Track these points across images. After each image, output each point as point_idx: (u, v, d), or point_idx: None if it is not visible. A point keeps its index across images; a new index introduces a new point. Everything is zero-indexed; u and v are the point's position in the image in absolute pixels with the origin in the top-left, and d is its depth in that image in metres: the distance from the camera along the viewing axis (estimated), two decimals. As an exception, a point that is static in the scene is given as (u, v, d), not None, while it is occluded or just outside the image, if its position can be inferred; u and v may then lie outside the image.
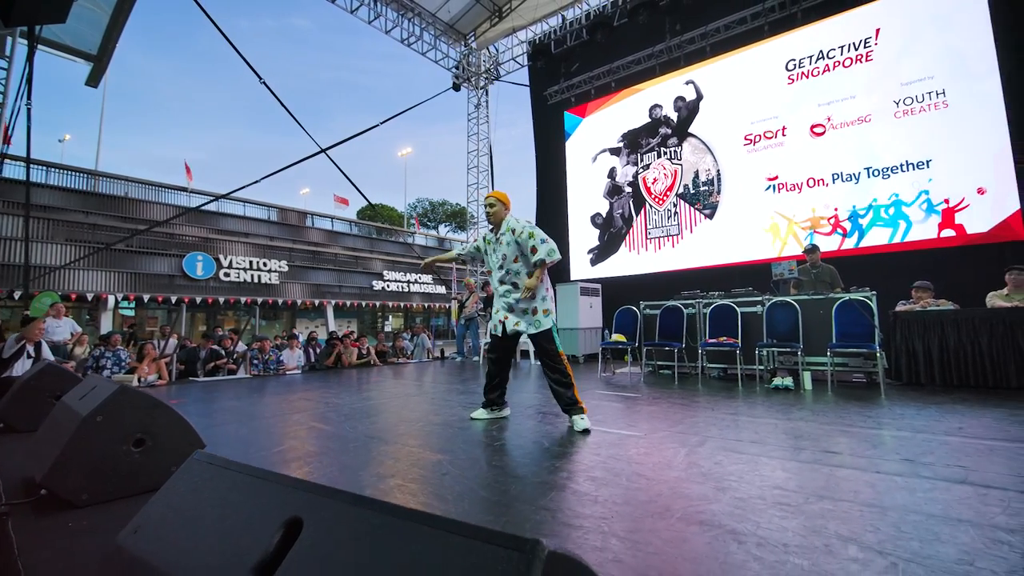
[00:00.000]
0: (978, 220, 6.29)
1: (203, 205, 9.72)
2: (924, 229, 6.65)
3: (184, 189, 17.62)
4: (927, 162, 6.68)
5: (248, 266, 18.00)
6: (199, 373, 6.43)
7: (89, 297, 14.49)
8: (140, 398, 2.01)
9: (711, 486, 1.94)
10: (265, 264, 18.49)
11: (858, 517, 1.61)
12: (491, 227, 3.41)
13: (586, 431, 2.94)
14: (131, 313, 17.37)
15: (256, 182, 8.44)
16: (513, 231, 3.21)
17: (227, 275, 17.34)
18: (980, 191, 6.31)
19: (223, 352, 6.72)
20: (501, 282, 3.30)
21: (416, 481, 2.09)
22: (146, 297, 15.69)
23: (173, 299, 15.79)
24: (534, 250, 3.12)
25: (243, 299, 17.55)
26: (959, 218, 6.44)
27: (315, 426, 3.35)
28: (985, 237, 6.22)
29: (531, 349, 7.73)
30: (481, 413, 3.41)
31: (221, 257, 17.30)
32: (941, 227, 6.54)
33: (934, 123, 6.66)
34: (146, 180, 17.15)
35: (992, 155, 6.24)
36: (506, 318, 3.28)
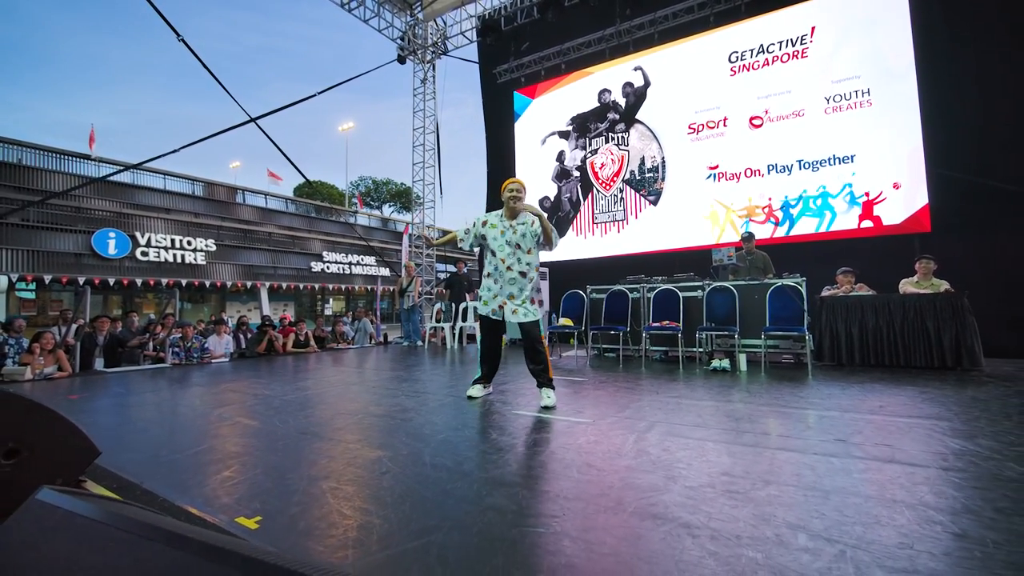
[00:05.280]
0: (893, 212, 6.80)
1: (110, 175, 8.68)
2: (847, 220, 7.11)
3: (87, 157, 15.67)
4: (851, 157, 7.11)
5: (170, 244, 16.45)
6: (94, 363, 5.78)
7: (-26, 277, 12.75)
8: (12, 400, 1.69)
9: (661, 475, 1.91)
10: (189, 243, 17.00)
11: (803, 502, 1.62)
12: (504, 212, 3.44)
13: (547, 408, 3.16)
14: (31, 296, 15.49)
15: (175, 151, 7.63)
16: (532, 223, 3.36)
17: (145, 254, 15.80)
18: (895, 186, 6.81)
19: (130, 336, 6.08)
20: (509, 268, 3.38)
21: (352, 483, 1.92)
22: (47, 278, 14.00)
23: (81, 280, 14.17)
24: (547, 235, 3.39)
25: (164, 280, 16.09)
26: (877, 210, 6.93)
27: (240, 421, 3.06)
28: (898, 228, 6.74)
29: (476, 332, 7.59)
30: (477, 390, 3.59)
31: (138, 234, 15.71)
32: (861, 218, 7.02)
33: (859, 120, 7.08)
34: (44, 146, 15.09)
35: (907, 152, 6.73)
36: (504, 304, 3.40)
